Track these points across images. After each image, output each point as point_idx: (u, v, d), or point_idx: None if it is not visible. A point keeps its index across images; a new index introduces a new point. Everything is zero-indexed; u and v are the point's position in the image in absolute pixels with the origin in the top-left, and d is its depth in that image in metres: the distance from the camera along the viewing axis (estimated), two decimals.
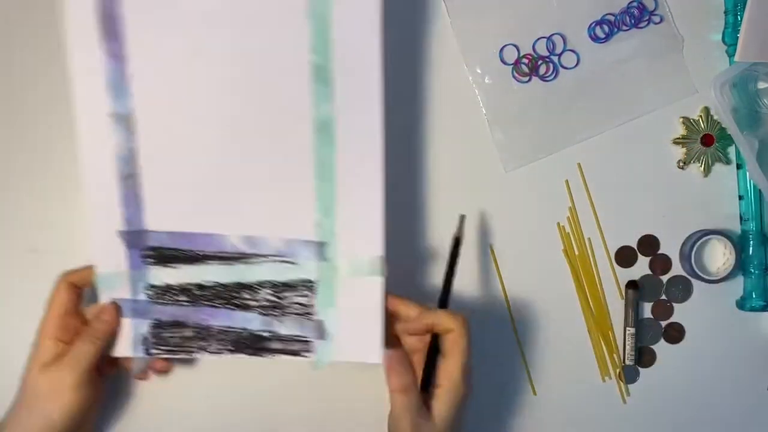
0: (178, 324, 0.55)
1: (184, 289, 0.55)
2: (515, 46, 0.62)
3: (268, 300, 0.54)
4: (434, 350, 0.53)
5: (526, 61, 0.62)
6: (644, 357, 0.65)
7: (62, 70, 0.59)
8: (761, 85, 0.63)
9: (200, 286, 0.54)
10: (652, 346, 0.65)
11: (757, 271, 0.64)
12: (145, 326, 0.55)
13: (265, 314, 0.54)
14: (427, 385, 0.53)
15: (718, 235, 0.62)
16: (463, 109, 0.62)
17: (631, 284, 0.64)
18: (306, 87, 0.51)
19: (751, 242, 0.64)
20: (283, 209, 0.53)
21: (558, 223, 0.63)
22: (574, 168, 0.63)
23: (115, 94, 0.51)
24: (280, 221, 0.53)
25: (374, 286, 0.53)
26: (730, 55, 0.63)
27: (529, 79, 0.62)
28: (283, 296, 0.54)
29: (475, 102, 0.62)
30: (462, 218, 0.57)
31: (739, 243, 0.64)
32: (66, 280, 0.53)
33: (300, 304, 0.54)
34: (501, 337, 0.63)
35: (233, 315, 0.54)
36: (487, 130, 0.62)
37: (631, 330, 0.63)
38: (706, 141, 0.64)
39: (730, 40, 0.63)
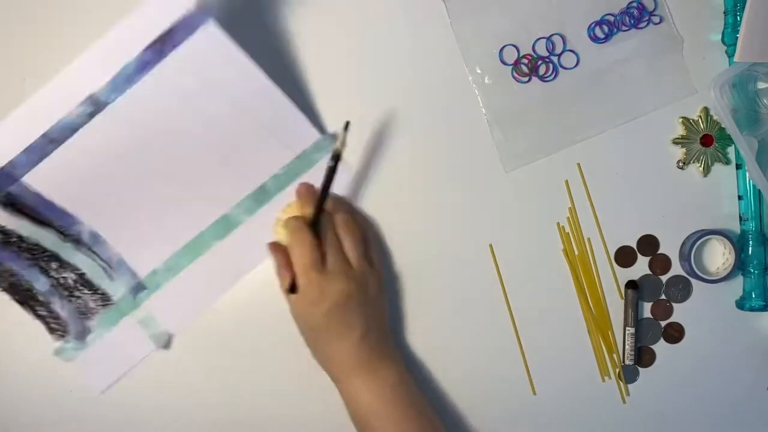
0: None
1: (6, 232, 0.57)
2: (515, 46, 0.62)
3: (66, 280, 0.58)
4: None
5: (526, 61, 0.62)
6: (644, 357, 0.65)
7: None
8: (761, 85, 0.63)
9: (22, 238, 0.57)
10: (651, 346, 0.65)
11: (756, 271, 0.64)
12: None
13: (54, 286, 0.58)
14: None
15: (717, 235, 0.62)
16: (463, 109, 0.62)
17: (631, 284, 0.64)
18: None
19: (751, 242, 0.64)
20: (144, 238, 0.59)
21: (558, 223, 0.63)
22: (574, 168, 0.63)
23: (113, 88, 0.53)
24: (133, 246, 0.59)
25: (142, 347, 0.60)
26: (730, 55, 0.63)
27: (529, 79, 0.62)
28: (80, 288, 0.59)
29: (475, 102, 0.62)
30: (346, 126, 0.56)
31: (738, 243, 0.64)
32: None
33: (87, 304, 0.59)
34: (501, 336, 0.63)
35: (30, 270, 0.58)
36: (487, 130, 0.62)
37: (630, 330, 0.63)
38: (706, 141, 0.64)
39: (730, 40, 0.63)
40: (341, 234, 0.56)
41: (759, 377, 0.66)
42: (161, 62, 0.52)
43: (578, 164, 0.63)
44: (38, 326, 0.59)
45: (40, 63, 0.59)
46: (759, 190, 0.63)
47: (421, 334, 0.62)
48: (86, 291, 0.59)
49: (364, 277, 0.56)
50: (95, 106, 0.53)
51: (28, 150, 0.54)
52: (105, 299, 0.59)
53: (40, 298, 0.58)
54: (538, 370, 0.63)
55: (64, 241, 0.58)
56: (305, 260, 0.54)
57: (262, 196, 0.59)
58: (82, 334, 0.59)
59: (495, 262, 0.63)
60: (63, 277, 0.58)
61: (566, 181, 0.63)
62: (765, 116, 0.63)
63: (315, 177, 0.59)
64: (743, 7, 0.61)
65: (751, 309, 0.64)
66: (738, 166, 0.65)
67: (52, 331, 0.58)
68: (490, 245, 0.63)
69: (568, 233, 0.63)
